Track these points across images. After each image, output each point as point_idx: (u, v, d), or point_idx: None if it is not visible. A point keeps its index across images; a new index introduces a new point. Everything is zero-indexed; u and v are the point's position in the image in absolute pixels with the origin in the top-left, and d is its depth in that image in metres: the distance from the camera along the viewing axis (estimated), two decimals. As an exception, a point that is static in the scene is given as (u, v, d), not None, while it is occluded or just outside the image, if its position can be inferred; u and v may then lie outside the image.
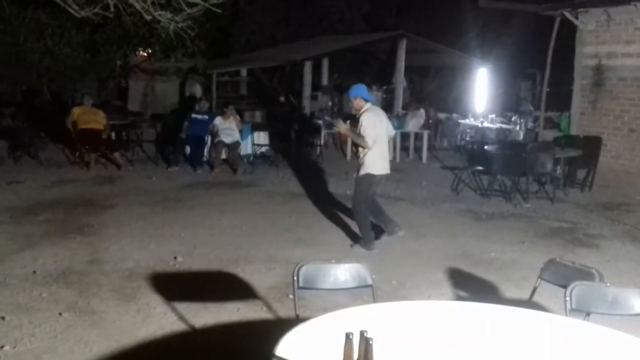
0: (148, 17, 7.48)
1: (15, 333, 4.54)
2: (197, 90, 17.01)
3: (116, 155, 11.52)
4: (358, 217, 7.01)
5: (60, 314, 4.89)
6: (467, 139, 14.99)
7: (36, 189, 9.58)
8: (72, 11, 7.58)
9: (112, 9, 7.33)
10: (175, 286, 5.64)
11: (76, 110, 11.53)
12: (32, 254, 6.36)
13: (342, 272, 3.69)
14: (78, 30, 14.19)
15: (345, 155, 13.27)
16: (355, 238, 7.15)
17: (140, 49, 16.26)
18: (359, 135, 6.73)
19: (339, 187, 10.08)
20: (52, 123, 13.34)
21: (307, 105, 15.76)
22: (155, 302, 5.16)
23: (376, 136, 6.76)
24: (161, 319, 4.84)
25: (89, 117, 11.43)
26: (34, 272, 5.85)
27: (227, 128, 11.60)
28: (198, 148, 11.76)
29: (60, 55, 14.33)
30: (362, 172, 6.88)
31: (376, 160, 6.84)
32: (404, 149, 13.74)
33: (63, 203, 8.70)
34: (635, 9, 10.35)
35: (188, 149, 11.89)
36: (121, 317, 4.87)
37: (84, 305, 5.09)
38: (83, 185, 10.08)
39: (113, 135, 12.14)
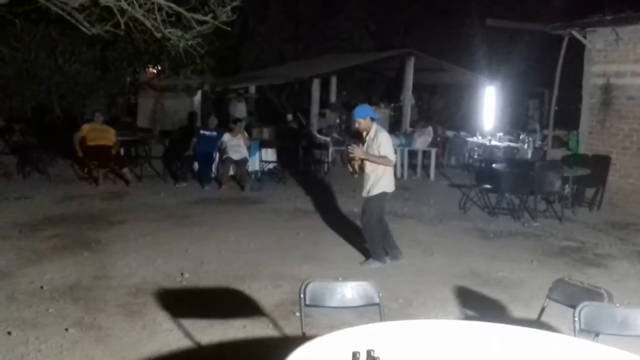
0: (158, 35, 7.55)
1: (21, 348, 4.53)
2: (242, 111, 16.77)
3: (125, 171, 11.56)
4: (372, 235, 6.98)
5: (66, 329, 4.89)
6: (475, 157, 14.96)
7: (44, 205, 9.62)
8: (83, 28, 7.67)
9: (122, 27, 7.40)
10: (181, 302, 5.63)
11: (86, 127, 11.60)
12: (39, 269, 6.37)
13: (349, 290, 3.68)
14: (89, 47, 14.34)
15: (354, 172, 13.27)
16: (364, 255, 7.14)
17: (150, 66, 16.39)
18: (381, 156, 6.75)
19: (347, 204, 10.06)
20: (62, 139, 13.42)
21: (315, 123, 15.81)
22: (161, 319, 5.15)
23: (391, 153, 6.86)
24: (167, 336, 4.83)
25: (98, 134, 11.49)
26: (41, 287, 5.86)
27: (235, 145, 11.64)
28: (206, 164, 11.79)
29: (70, 71, 14.48)
30: (378, 190, 6.88)
31: (390, 177, 6.93)
32: (412, 166, 13.74)
33: (71, 219, 8.73)
34: (643, 28, 10.35)
35: (196, 165, 11.93)
36: (127, 333, 4.86)
37: (90, 321, 5.09)
38: (91, 200, 10.11)
39: (122, 151, 12.19)
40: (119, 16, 7.28)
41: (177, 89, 16.82)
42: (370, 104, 16.84)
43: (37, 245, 7.30)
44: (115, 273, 6.36)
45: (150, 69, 16.82)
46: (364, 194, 6.97)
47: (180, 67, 15.26)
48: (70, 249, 7.15)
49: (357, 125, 6.87)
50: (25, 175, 11.84)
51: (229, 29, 7.62)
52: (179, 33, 7.56)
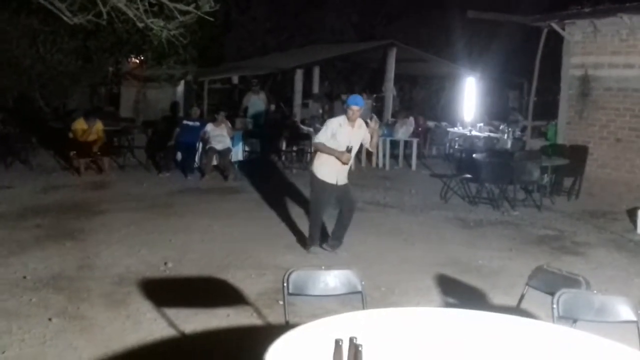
0: (141, 25, 7.51)
1: (5, 338, 4.53)
2: (257, 105, 15.17)
3: (105, 159, 11.49)
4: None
5: (49, 319, 4.89)
6: (456, 147, 15.06)
7: (27, 195, 9.56)
8: (65, 18, 7.60)
9: (105, 16, 7.35)
10: (165, 292, 5.65)
11: (79, 130, 11.41)
12: (22, 259, 6.35)
13: (332, 279, 3.73)
14: (70, 36, 14.15)
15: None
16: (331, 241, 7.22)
17: (132, 55, 16.24)
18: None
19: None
20: (44, 129, 13.31)
21: (298, 113, 15.80)
22: (145, 308, 5.17)
23: None
24: (151, 325, 4.86)
25: (89, 132, 11.37)
26: (24, 277, 5.85)
27: (219, 135, 11.62)
28: (189, 154, 11.77)
29: (52, 61, 14.28)
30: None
31: None
32: (394, 156, 13.80)
33: (54, 208, 8.69)
34: (621, 20, 10.47)
35: (179, 155, 11.89)
36: (111, 323, 4.88)
37: (74, 310, 5.10)
38: (74, 190, 10.06)
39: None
40: (101, 6, 7.23)
41: (159, 79, 16.67)
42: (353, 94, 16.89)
43: (19, 235, 7.27)
44: (99, 263, 6.36)
45: (133, 59, 16.67)
46: (345, 180, 7.03)
47: (162, 57, 15.14)
48: (53, 239, 7.13)
49: (357, 113, 6.80)
50: (7, 165, 11.73)
51: (211, 19, 7.60)
52: (162, 23, 7.53)
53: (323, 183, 6.91)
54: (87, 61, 15.08)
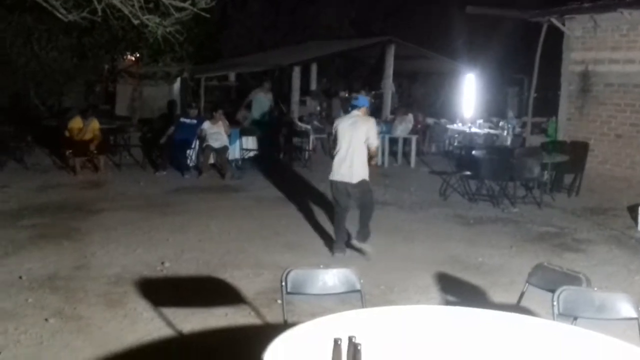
0: (136, 22, 7.47)
1: (0, 339, 4.50)
2: (264, 104, 14.74)
3: (100, 158, 11.44)
4: None
5: (46, 319, 4.86)
6: (455, 144, 15.01)
7: (22, 194, 9.50)
8: (59, 15, 7.55)
9: (100, 13, 7.30)
10: (162, 291, 5.61)
11: (75, 127, 11.36)
12: (18, 259, 6.31)
13: (331, 277, 3.70)
14: (65, 34, 14.08)
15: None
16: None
17: (128, 53, 16.17)
18: None
19: (328, 192, 10.03)
20: (39, 127, 13.25)
21: (295, 110, 15.76)
22: (142, 308, 5.13)
23: None
24: (148, 325, 4.82)
25: (85, 132, 11.33)
26: (20, 277, 5.80)
27: (216, 132, 11.57)
28: (184, 151, 11.70)
29: (47, 59, 14.21)
30: None
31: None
32: (392, 153, 13.77)
33: (49, 208, 8.64)
34: (621, 15, 10.43)
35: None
36: (108, 323, 4.84)
37: (70, 310, 5.06)
38: (70, 190, 10.01)
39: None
40: (95, 3, 7.19)
41: (156, 77, 16.61)
42: (351, 91, 16.85)
43: (15, 235, 7.22)
44: (95, 262, 6.32)
45: (129, 56, 16.60)
46: None
47: (158, 54, 15.07)
48: (49, 239, 7.08)
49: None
50: (2, 165, 11.67)
51: (208, 15, 7.56)
52: (157, 20, 7.49)
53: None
54: (82, 59, 15.01)
